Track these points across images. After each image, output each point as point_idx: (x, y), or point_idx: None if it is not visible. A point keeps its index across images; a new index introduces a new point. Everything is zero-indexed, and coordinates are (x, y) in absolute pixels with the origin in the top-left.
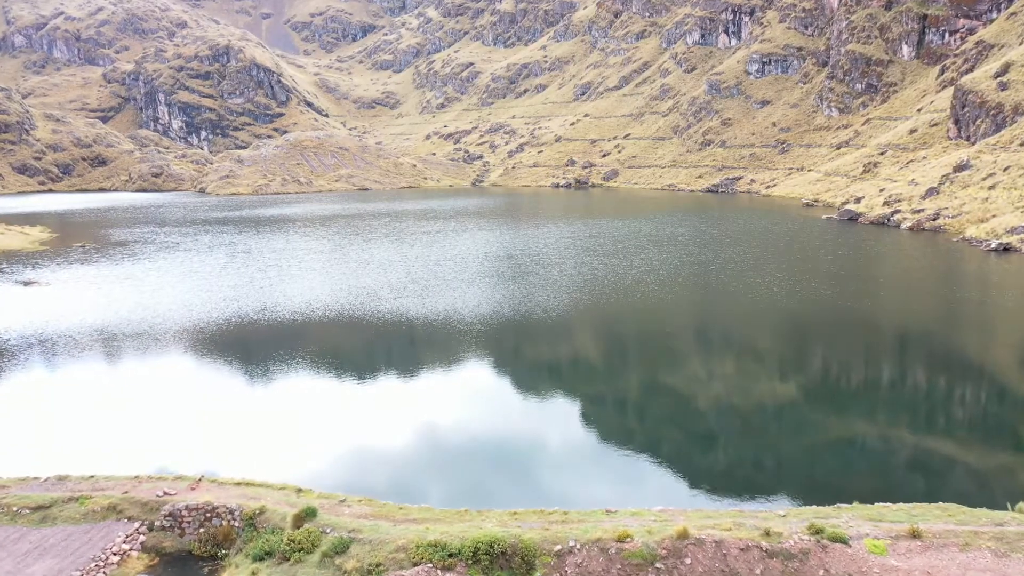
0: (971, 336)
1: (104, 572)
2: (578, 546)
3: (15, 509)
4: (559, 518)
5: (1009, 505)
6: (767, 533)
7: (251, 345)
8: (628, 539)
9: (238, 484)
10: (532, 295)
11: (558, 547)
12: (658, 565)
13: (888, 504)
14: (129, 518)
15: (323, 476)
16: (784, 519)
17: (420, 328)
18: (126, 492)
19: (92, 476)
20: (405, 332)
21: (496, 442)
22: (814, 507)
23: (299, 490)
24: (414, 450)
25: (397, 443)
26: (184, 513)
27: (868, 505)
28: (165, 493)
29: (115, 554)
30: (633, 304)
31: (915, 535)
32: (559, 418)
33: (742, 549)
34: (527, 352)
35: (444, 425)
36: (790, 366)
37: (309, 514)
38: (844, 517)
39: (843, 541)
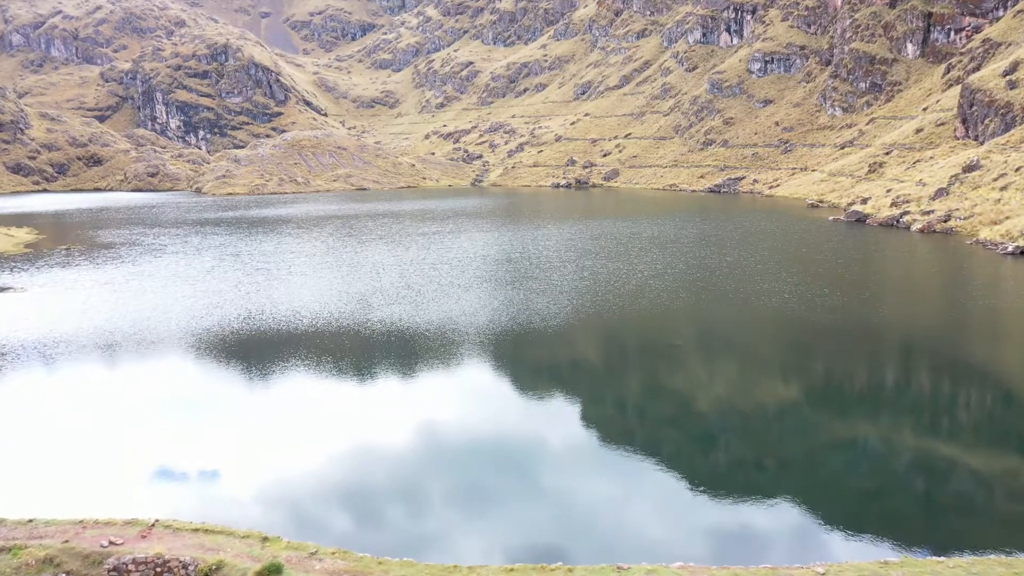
0: (996, 345)
1: None
2: None
3: None
4: None
5: None
6: None
7: (226, 362)
8: None
9: (196, 531)
10: (531, 302)
11: None
12: None
13: (943, 559)
14: (67, 573)
15: (293, 518)
16: None
17: (412, 341)
18: (67, 541)
19: (31, 520)
20: (395, 345)
21: (489, 480)
22: (857, 563)
23: (265, 538)
24: (397, 488)
25: (378, 480)
26: (131, 568)
27: (919, 560)
28: (111, 543)
29: None
30: (638, 312)
31: None
32: (560, 451)
33: None
34: (524, 371)
35: (431, 459)
36: (821, 387)
37: (274, 571)
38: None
39: None
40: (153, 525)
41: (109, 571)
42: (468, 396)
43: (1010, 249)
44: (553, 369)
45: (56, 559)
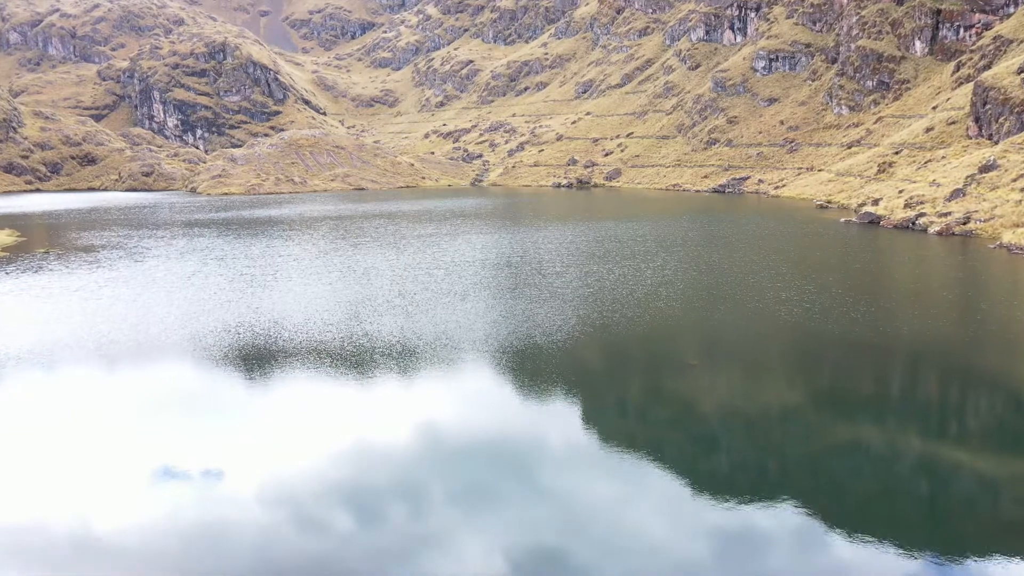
0: None
1: None
2: None
3: None
4: None
5: None
6: None
7: (201, 378)
8: None
9: None
10: (533, 312)
11: None
12: None
13: None
14: None
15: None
16: None
17: (403, 357)
18: None
19: None
20: (383, 362)
21: (488, 484)
22: None
23: None
24: (395, 491)
25: (376, 484)
26: None
27: None
28: None
29: None
30: (646, 323)
31: None
32: (562, 457)
33: None
34: (525, 381)
35: (428, 464)
36: (843, 406)
37: None
38: None
39: None
40: None
41: None
42: (467, 403)
43: None
44: (556, 382)
45: None
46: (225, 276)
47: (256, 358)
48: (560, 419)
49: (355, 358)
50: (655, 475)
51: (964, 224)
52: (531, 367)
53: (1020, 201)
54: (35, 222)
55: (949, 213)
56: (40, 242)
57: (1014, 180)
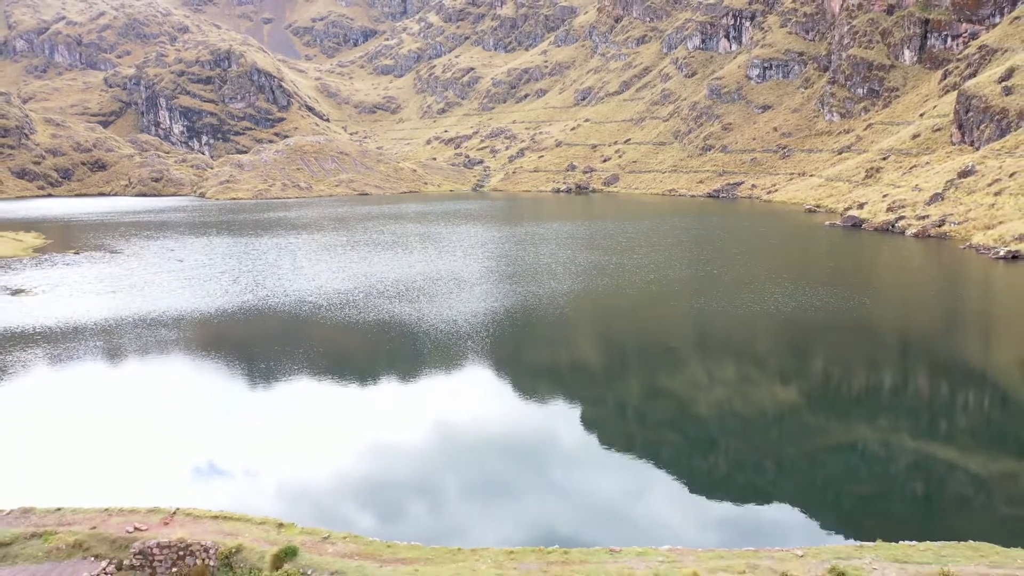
0: (989, 348)
1: None
2: None
3: None
4: (559, 558)
5: None
6: None
7: (240, 363)
8: None
9: (215, 517)
10: (535, 294)
11: None
12: None
13: (914, 543)
14: (96, 556)
15: (306, 507)
16: (802, 559)
17: (414, 346)
18: (94, 527)
19: (59, 509)
20: (399, 346)
21: (490, 473)
22: (834, 546)
23: (280, 524)
24: (403, 479)
25: (385, 472)
26: (155, 551)
27: (893, 544)
28: (136, 528)
29: None
30: (634, 310)
31: None
32: (557, 448)
33: None
34: (523, 375)
35: (434, 455)
36: (805, 386)
37: (289, 553)
38: (867, 558)
39: None
40: (174, 513)
41: (135, 554)
42: (464, 406)
43: (1002, 253)
44: (551, 379)
45: (85, 543)
46: (253, 273)
47: (279, 351)
48: (550, 399)
49: (374, 343)
50: (634, 430)
51: (940, 227)
52: (530, 347)
53: (992, 205)
54: (55, 226)
55: (927, 216)
56: (68, 244)
57: (989, 185)
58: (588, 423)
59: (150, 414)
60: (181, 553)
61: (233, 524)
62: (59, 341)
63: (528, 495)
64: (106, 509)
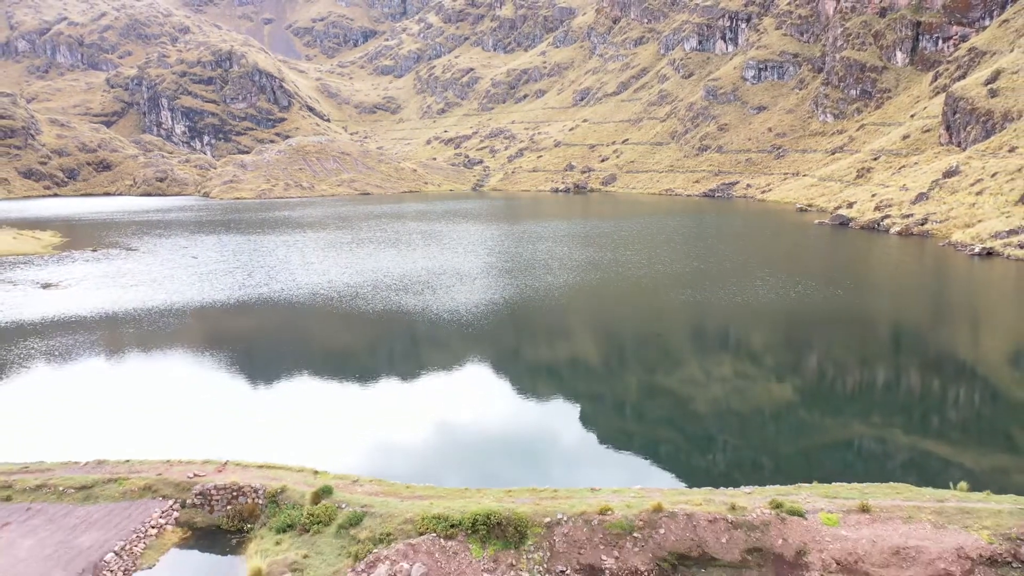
0: (945, 336)
1: (144, 543)
2: (565, 518)
3: (61, 489)
4: (549, 495)
5: (952, 484)
6: (733, 507)
7: (262, 348)
8: (609, 512)
9: (260, 467)
10: (532, 284)
11: (548, 519)
12: (635, 535)
13: (844, 484)
14: (163, 496)
15: (337, 461)
16: (749, 496)
17: (417, 338)
18: (159, 474)
19: (128, 460)
20: (407, 335)
21: (495, 433)
22: (777, 486)
23: (316, 472)
24: (420, 438)
25: (404, 432)
26: (213, 492)
27: (825, 484)
28: (195, 475)
29: (152, 527)
30: (625, 300)
31: (864, 510)
32: (553, 413)
33: (710, 521)
34: (526, 351)
35: (447, 417)
36: (776, 367)
37: (326, 492)
38: (803, 494)
39: (800, 514)
40: (226, 463)
41: (196, 495)
42: (474, 375)
43: (977, 251)
44: (550, 354)
45: (153, 486)
46: (265, 270)
47: (308, 332)
48: (548, 372)
49: (391, 334)
50: (621, 401)
51: (922, 225)
52: (525, 336)
53: (973, 204)
54: (68, 225)
55: (911, 215)
56: (83, 242)
57: (972, 184)
58: (577, 390)
59: (200, 385)
60: (235, 493)
61: (276, 472)
62: (97, 328)
63: (526, 450)
64: (167, 460)
